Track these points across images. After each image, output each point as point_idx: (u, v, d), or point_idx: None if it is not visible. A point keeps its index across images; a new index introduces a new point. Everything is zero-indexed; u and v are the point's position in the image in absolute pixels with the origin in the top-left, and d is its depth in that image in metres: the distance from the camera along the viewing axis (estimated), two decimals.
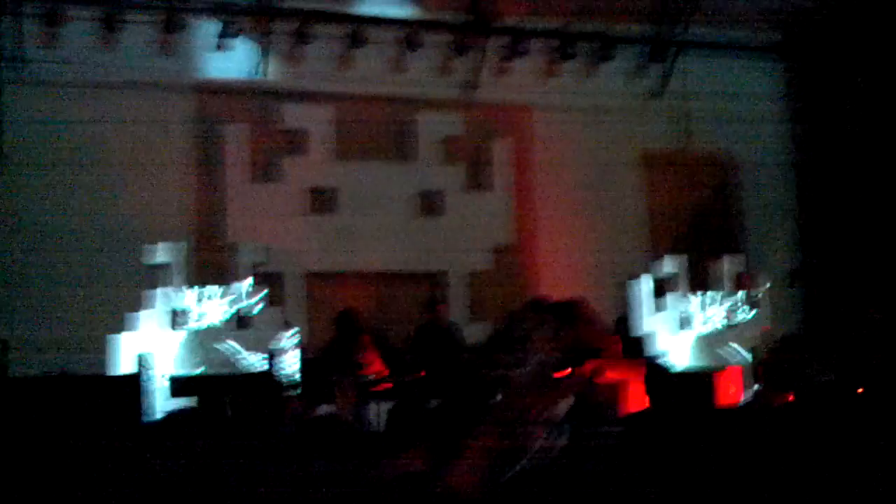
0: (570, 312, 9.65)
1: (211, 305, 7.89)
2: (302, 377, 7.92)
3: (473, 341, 9.75)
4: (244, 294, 8.02)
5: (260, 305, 8.03)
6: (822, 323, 9.88)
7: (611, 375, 7.80)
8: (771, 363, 7.58)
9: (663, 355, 8.25)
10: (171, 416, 6.88)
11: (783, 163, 11.17)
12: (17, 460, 5.31)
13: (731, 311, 8.63)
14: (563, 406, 5.95)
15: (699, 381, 6.42)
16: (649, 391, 4.87)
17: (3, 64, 9.25)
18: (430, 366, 8.71)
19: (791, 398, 5.41)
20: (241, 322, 8.00)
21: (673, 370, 5.32)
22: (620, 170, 10.73)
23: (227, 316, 7.89)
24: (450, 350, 9.00)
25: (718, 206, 10.92)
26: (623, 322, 9.09)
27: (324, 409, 7.66)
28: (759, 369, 8.21)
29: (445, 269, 10.33)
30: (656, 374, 4.89)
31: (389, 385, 8.02)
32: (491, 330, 10.11)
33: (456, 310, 9.98)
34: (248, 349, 7.84)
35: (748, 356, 8.47)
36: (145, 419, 7.18)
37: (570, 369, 8.15)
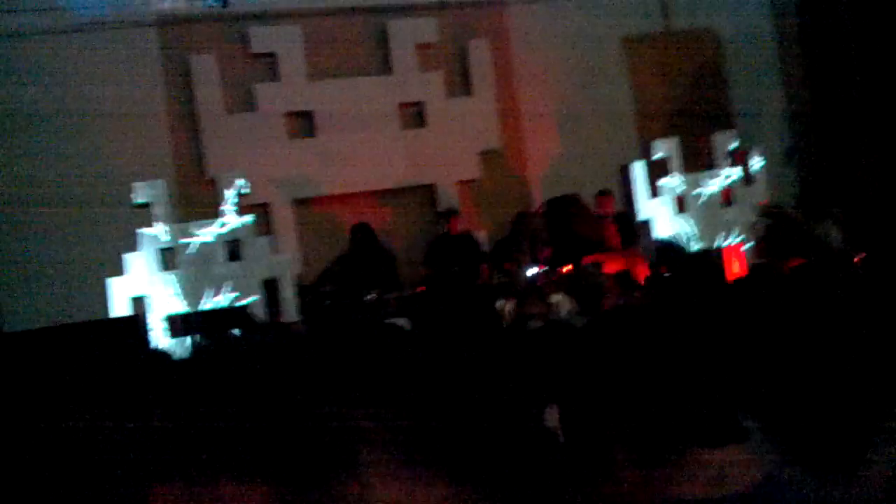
0: (564, 209, 9.57)
1: (198, 241, 7.73)
2: (301, 303, 7.82)
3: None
4: (230, 227, 7.85)
5: (248, 236, 7.87)
6: (818, 195, 9.74)
7: (612, 266, 7.72)
8: (771, 235, 7.46)
9: (668, 239, 8.16)
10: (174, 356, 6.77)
11: (768, 34, 10.87)
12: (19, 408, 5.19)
13: (728, 188, 8.47)
14: (565, 301, 5.85)
15: (706, 260, 6.25)
16: (660, 268, 4.72)
17: None
18: (433, 280, 8.65)
19: (795, 264, 5.27)
20: (231, 255, 7.84)
21: (685, 247, 5.16)
22: (603, 58, 10.44)
23: (216, 250, 7.73)
24: (468, 259, 8.93)
25: (705, 85, 10.67)
26: (605, 197, 9.08)
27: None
28: (760, 244, 8.10)
29: (434, 180, 10.14)
30: (668, 253, 4.75)
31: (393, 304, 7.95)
32: (487, 238, 10.00)
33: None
34: (239, 281, 7.71)
35: (748, 232, 8.35)
36: (147, 361, 7.08)
37: (570, 265, 8.07)
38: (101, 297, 7.47)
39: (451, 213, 9.50)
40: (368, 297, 8.25)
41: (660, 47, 10.64)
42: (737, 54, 10.82)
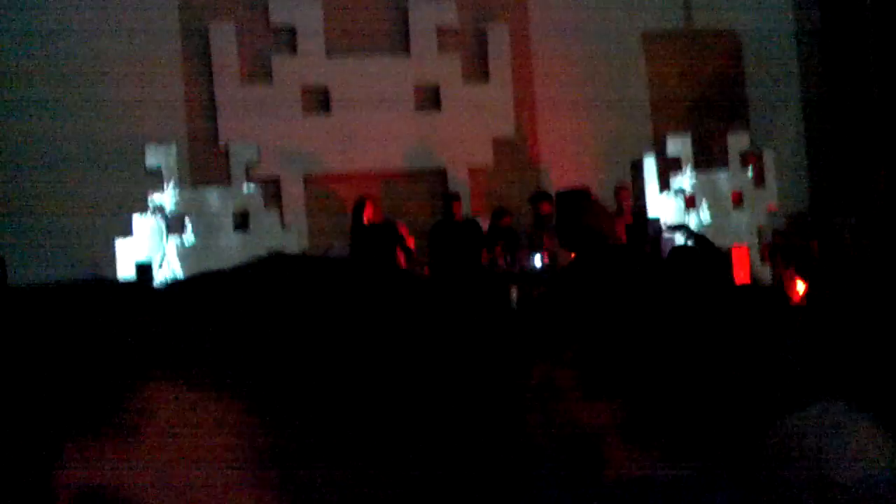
0: (575, 203, 9.54)
1: (206, 209, 7.74)
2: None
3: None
4: (239, 196, 7.86)
5: (257, 208, 7.87)
6: (830, 200, 9.71)
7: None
8: (779, 244, 7.43)
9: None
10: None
11: (787, 34, 10.82)
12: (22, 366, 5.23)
13: (737, 189, 8.44)
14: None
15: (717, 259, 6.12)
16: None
17: None
18: (444, 264, 8.63)
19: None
20: (237, 225, 7.85)
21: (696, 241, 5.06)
22: (621, 52, 10.40)
23: (224, 219, 7.74)
24: (468, 246, 8.90)
25: (723, 83, 10.63)
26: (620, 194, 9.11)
27: None
28: (765, 249, 8.08)
29: (445, 165, 10.13)
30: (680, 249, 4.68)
31: None
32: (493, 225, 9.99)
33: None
34: (245, 252, 7.72)
35: (754, 236, 8.32)
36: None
37: (573, 256, 8.05)
38: (110, 260, 7.49)
39: (453, 199, 9.47)
40: None
41: (679, 44, 10.60)
42: (756, 53, 10.77)
